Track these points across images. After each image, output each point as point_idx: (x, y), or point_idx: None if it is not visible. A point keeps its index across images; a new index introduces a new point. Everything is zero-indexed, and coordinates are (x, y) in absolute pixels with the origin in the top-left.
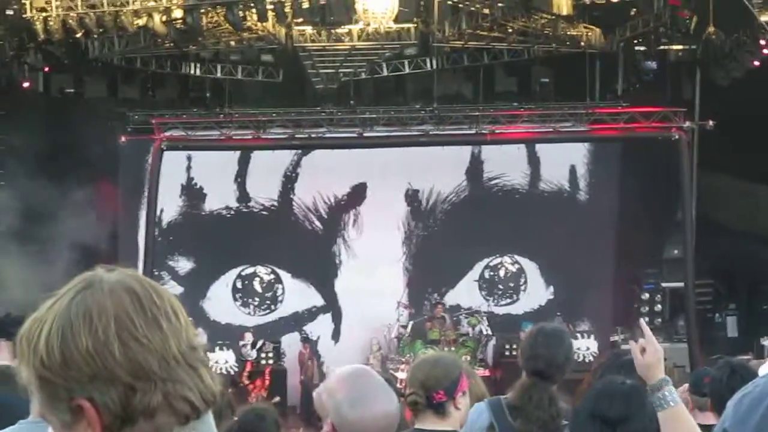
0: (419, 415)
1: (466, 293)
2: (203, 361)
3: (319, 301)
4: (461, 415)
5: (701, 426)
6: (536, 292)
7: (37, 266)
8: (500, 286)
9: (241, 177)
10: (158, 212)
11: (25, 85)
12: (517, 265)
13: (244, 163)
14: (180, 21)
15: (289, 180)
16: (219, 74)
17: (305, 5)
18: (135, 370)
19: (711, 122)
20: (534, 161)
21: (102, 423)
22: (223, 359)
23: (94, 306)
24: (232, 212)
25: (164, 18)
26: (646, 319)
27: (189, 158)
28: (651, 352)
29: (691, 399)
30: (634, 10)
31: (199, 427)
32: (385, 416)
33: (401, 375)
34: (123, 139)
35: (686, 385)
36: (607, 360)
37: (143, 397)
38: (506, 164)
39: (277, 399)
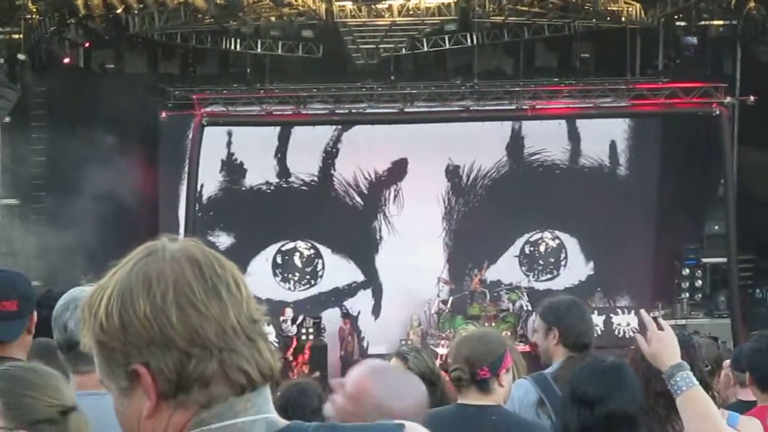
0: (463, 391)
1: (506, 269)
2: (263, 334)
3: (359, 276)
4: (504, 392)
5: (743, 402)
6: (576, 268)
7: (78, 240)
8: (540, 262)
9: (281, 152)
10: (198, 187)
11: (66, 60)
12: (557, 241)
13: (284, 139)
14: None
15: (330, 155)
16: (259, 50)
17: None
18: (191, 337)
19: (752, 97)
20: (574, 137)
21: (157, 389)
22: None
23: (154, 272)
24: (272, 188)
25: None
26: (687, 294)
27: (229, 134)
28: (655, 340)
29: (732, 375)
30: None
31: (255, 399)
32: (423, 396)
33: (441, 350)
34: (163, 114)
35: (728, 361)
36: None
37: (198, 365)
38: (546, 140)
39: (317, 374)
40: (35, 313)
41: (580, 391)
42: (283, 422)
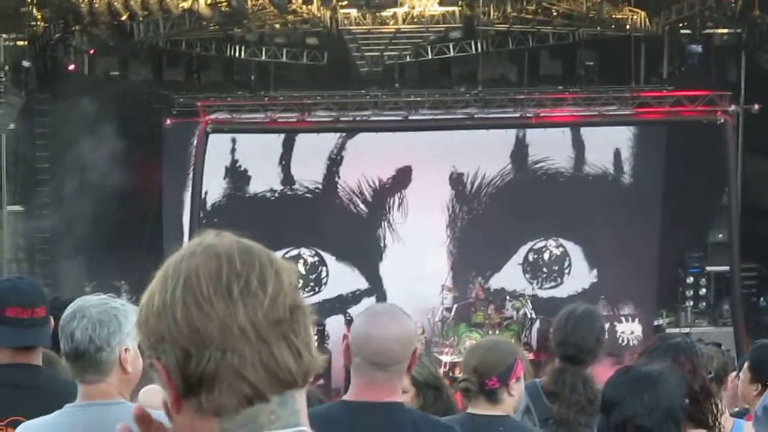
0: (472, 400)
1: (510, 276)
2: (287, 336)
3: (363, 284)
4: (515, 401)
5: (747, 410)
6: (580, 276)
7: (83, 248)
8: (544, 269)
9: (285, 160)
10: (203, 194)
11: (71, 67)
12: (561, 249)
13: (288, 146)
14: (225, 3)
15: (334, 163)
16: (264, 57)
17: None
18: (192, 335)
19: (756, 106)
20: (578, 144)
21: (172, 385)
22: None
23: (172, 268)
24: (276, 195)
25: (209, 1)
26: (690, 302)
27: (234, 141)
28: None
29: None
30: None
31: (280, 411)
32: (390, 337)
33: (445, 358)
34: (168, 121)
35: (734, 374)
36: (653, 343)
37: (197, 365)
38: (551, 147)
39: (321, 382)
40: (51, 320)
41: (602, 396)
42: None
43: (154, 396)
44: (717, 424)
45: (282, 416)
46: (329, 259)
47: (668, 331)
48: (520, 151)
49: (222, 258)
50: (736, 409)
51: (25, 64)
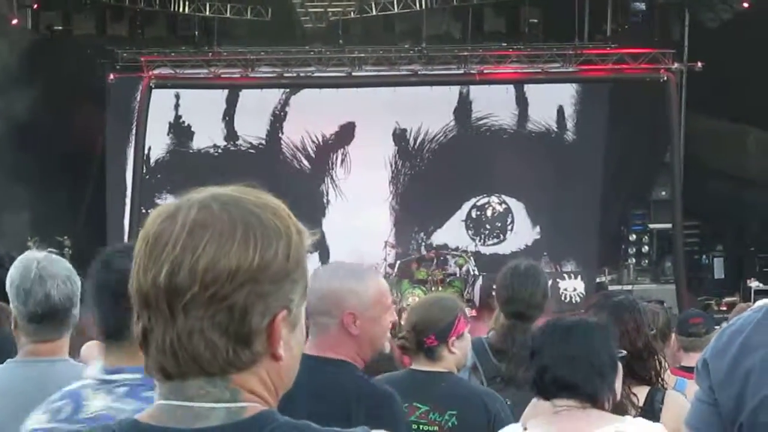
0: (413, 357)
1: (453, 233)
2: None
3: None
4: (457, 359)
5: (687, 368)
6: (523, 232)
7: (24, 201)
8: (487, 226)
9: (229, 115)
10: (146, 150)
11: (14, 22)
12: (504, 205)
13: (232, 102)
14: None
15: (278, 119)
16: (207, 12)
17: None
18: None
19: (699, 64)
20: (522, 101)
21: None
22: None
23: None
24: (220, 151)
25: None
26: (633, 260)
27: (177, 96)
28: None
29: (677, 339)
30: None
31: (208, 387)
32: (328, 289)
33: None
34: (111, 77)
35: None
36: (596, 301)
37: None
38: (494, 104)
39: None
40: None
41: (532, 344)
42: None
43: (96, 352)
44: (660, 380)
45: (211, 392)
46: None
47: (611, 288)
48: (463, 107)
49: (160, 213)
50: (677, 366)
51: None
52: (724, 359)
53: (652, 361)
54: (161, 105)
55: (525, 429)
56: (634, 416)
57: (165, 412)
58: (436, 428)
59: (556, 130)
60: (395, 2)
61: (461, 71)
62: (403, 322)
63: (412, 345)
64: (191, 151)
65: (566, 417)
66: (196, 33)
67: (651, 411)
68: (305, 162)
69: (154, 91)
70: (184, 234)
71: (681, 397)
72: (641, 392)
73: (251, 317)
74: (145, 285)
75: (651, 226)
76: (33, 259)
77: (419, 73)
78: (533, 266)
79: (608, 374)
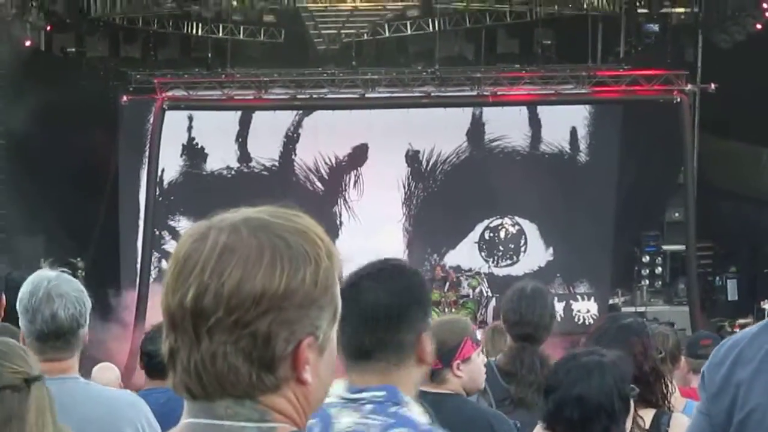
0: None
1: (466, 254)
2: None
3: None
4: (464, 382)
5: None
6: (536, 254)
7: (38, 223)
8: (500, 248)
9: (242, 137)
10: (159, 172)
11: (27, 43)
12: (517, 227)
13: (245, 124)
14: None
15: (291, 140)
16: (221, 34)
17: None
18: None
19: (713, 85)
20: (535, 123)
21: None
22: None
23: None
24: (233, 172)
25: None
26: (646, 281)
27: (190, 118)
28: None
29: (687, 362)
30: None
31: (236, 407)
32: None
33: None
34: (125, 98)
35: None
36: (604, 323)
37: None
38: (507, 126)
39: None
40: (3, 297)
41: (547, 379)
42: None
43: (107, 373)
44: (666, 403)
45: (239, 412)
46: None
47: (624, 310)
48: (476, 129)
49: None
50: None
51: None
52: (719, 372)
53: (659, 384)
54: (174, 127)
55: None
56: None
57: (195, 430)
58: None
59: (569, 151)
60: (408, 24)
61: (474, 93)
62: None
63: None
64: (204, 173)
65: None
66: (210, 55)
67: None
68: (318, 183)
69: (167, 112)
70: (212, 257)
71: (687, 420)
72: (647, 415)
73: (275, 344)
74: (173, 305)
75: (664, 247)
76: (44, 278)
77: (432, 94)
78: (539, 288)
79: (620, 416)
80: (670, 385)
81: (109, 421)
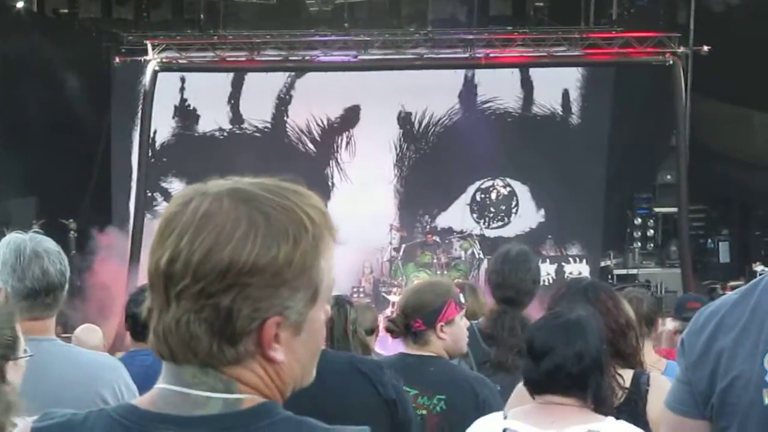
0: (402, 340)
1: (457, 216)
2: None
3: None
4: (447, 344)
5: None
6: (527, 215)
7: (30, 185)
8: (492, 209)
9: (234, 99)
10: (151, 133)
11: (19, 5)
12: (508, 188)
13: (237, 85)
14: None
15: (283, 102)
16: None
17: None
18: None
19: (705, 47)
20: (527, 85)
21: None
22: None
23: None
24: (225, 134)
25: None
26: (638, 244)
27: (182, 80)
28: None
29: (674, 323)
30: None
31: (202, 377)
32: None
33: (393, 298)
34: (117, 60)
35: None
36: (565, 286)
37: None
38: (499, 88)
39: None
40: None
41: (529, 343)
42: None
43: (90, 334)
44: (639, 357)
45: (204, 381)
46: None
47: (616, 272)
48: (468, 91)
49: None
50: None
51: None
52: (699, 339)
53: (632, 334)
54: (167, 88)
55: (505, 418)
56: (621, 397)
57: (164, 397)
58: (425, 412)
59: (561, 113)
60: None
61: (467, 55)
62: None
63: (400, 328)
64: (197, 134)
65: (549, 410)
66: (202, 16)
67: (637, 392)
68: (310, 145)
69: (159, 74)
70: (191, 224)
71: (666, 379)
72: (627, 374)
73: (237, 319)
74: (151, 267)
75: (656, 209)
76: (22, 238)
77: (425, 56)
78: (524, 252)
79: (604, 367)
80: (641, 340)
81: (86, 383)
